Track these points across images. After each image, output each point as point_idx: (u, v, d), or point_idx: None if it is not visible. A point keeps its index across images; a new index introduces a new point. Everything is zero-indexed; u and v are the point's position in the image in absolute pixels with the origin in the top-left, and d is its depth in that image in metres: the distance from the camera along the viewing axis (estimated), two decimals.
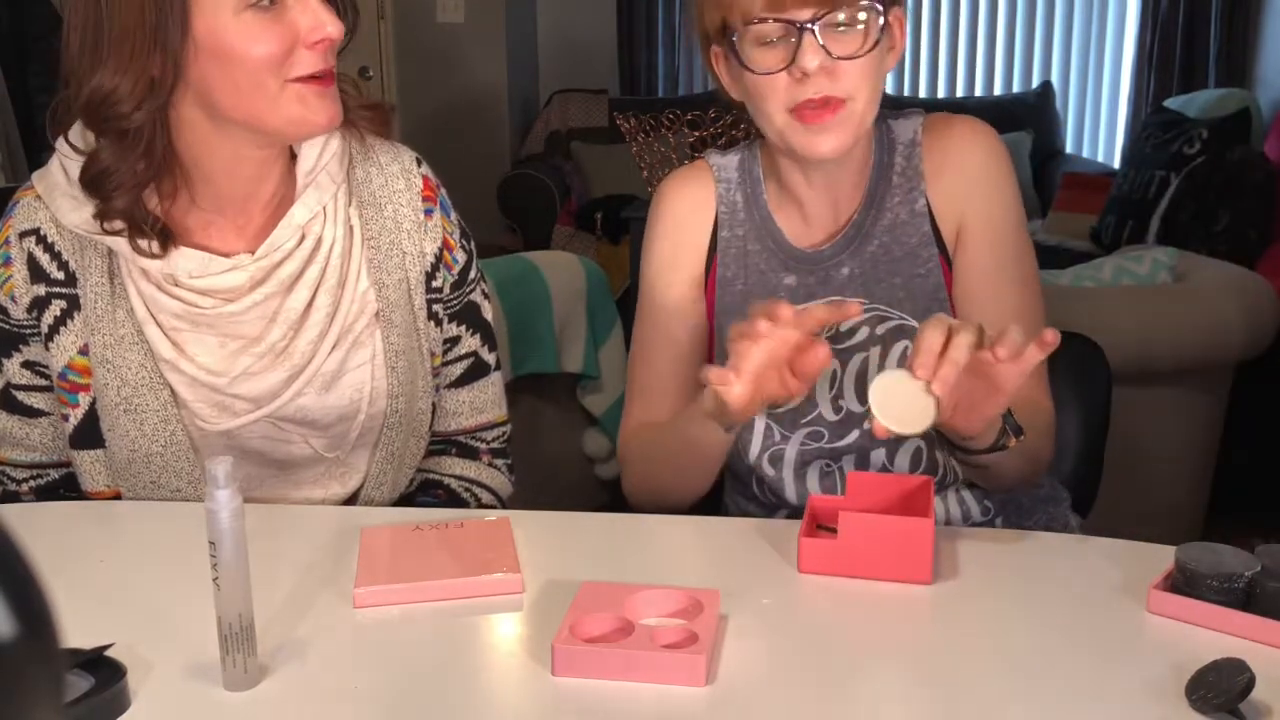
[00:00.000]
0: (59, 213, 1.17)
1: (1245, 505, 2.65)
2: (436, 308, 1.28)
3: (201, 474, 1.19)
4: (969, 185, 1.24)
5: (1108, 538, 1.08)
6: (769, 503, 1.28)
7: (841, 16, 1.12)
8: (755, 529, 1.10)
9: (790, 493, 1.24)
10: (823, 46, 1.12)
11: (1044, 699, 0.81)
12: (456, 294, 1.30)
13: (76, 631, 0.84)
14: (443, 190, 1.30)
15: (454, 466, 1.34)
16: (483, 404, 1.34)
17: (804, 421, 1.23)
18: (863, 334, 1.23)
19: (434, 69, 5.18)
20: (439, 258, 1.27)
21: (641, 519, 1.14)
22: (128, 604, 0.97)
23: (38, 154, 4.25)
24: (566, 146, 5.21)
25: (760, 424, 1.24)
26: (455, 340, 1.31)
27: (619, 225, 4.50)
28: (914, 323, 1.21)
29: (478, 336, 1.33)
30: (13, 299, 1.20)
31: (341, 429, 1.23)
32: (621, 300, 3.21)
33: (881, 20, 1.15)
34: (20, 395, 1.24)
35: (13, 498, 1.27)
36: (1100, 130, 5.24)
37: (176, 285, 1.17)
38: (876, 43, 1.14)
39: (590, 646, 0.84)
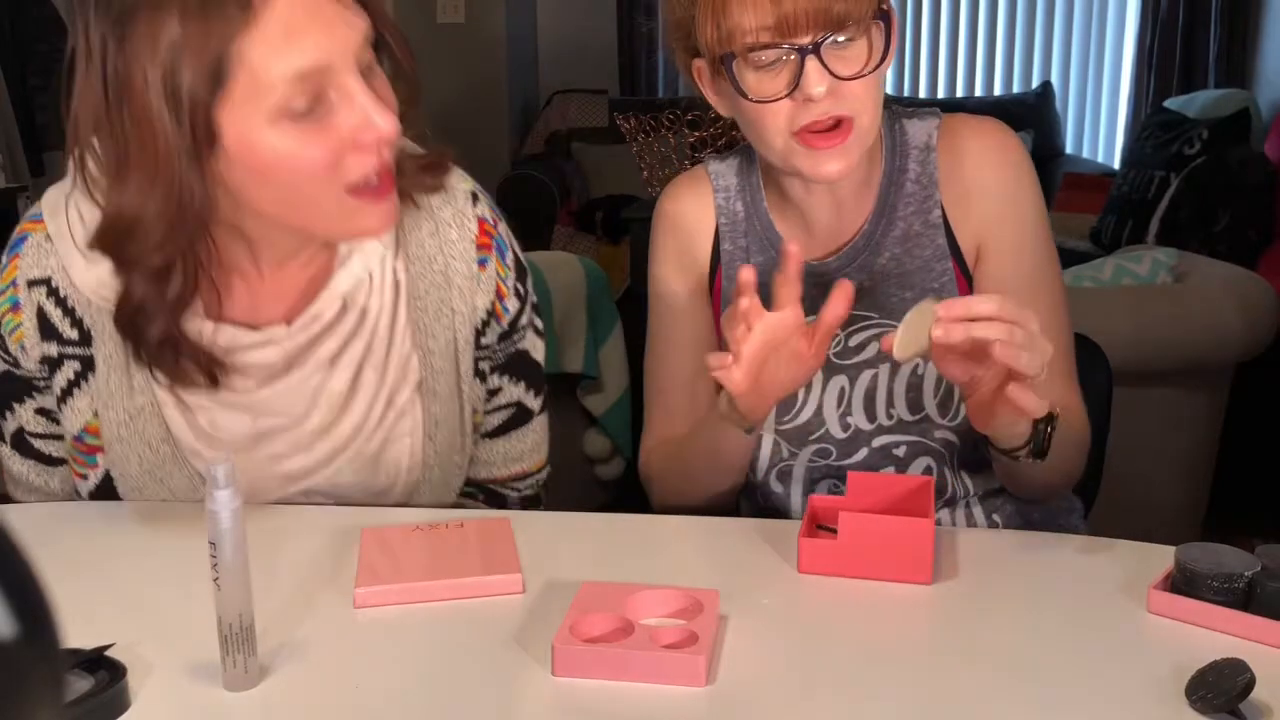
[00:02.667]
0: (70, 267, 1.07)
1: (1245, 505, 2.66)
2: (483, 365, 1.20)
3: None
4: (990, 195, 1.19)
5: (1108, 538, 1.08)
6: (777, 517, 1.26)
7: (843, 36, 1.07)
8: (755, 529, 1.10)
9: (798, 510, 1.23)
10: (826, 68, 1.06)
11: (1044, 699, 0.81)
12: (504, 344, 1.20)
13: (76, 631, 0.83)
14: (500, 227, 1.18)
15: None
16: (520, 453, 1.26)
17: (812, 439, 1.21)
18: (872, 349, 1.19)
19: (434, 69, 5.18)
20: (490, 312, 1.17)
21: (641, 519, 1.14)
22: (128, 604, 0.97)
23: (38, 154, 4.25)
24: (566, 146, 5.21)
25: (769, 441, 1.22)
26: (496, 391, 1.22)
27: (619, 225, 4.50)
28: None
29: (522, 385, 1.23)
30: (23, 349, 1.11)
31: (375, 501, 1.17)
32: (621, 300, 3.22)
33: (884, 35, 1.10)
34: (37, 443, 1.17)
35: None
36: (1100, 130, 5.25)
37: None
38: (882, 59, 1.09)
39: (590, 646, 0.84)
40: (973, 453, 1.20)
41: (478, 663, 0.88)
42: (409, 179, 1.08)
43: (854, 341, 1.20)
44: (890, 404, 1.19)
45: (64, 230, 1.07)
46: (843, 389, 1.20)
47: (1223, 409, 2.49)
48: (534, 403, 1.25)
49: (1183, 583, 0.90)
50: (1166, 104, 4.52)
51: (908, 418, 1.19)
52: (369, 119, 0.95)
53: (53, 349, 1.10)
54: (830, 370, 1.20)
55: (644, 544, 1.09)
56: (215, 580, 0.82)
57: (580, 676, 0.83)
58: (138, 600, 0.98)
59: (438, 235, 1.14)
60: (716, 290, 1.28)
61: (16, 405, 1.15)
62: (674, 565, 1.03)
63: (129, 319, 1.02)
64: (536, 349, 1.24)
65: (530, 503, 1.30)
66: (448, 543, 1.04)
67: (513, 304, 1.19)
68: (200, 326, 1.07)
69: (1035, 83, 5.26)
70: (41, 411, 1.15)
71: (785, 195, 1.23)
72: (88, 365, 1.10)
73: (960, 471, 1.22)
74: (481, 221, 1.16)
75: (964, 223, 1.19)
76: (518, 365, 1.22)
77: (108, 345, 1.09)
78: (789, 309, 1.05)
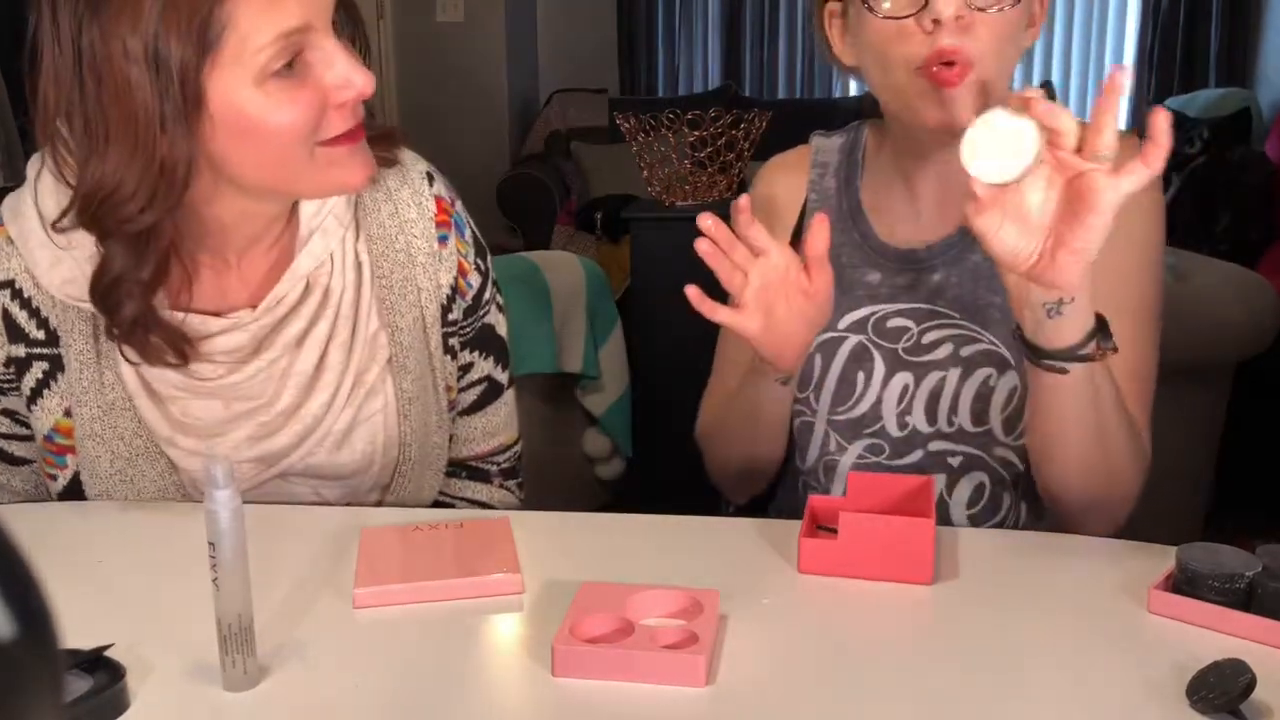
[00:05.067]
0: (35, 268, 1.07)
1: (1245, 505, 2.66)
2: (452, 341, 1.22)
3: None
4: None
5: (1108, 538, 1.07)
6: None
7: None
8: (755, 529, 1.10)
9: None
10: None
11: (1044, 699, 0.81)
12: (470, 320, 1.23)
13: (76, 631, 0.83)
14: (457, 205, 1.21)
15: (465, 490, 1.31)
16: (495, 427, 1.29)
17: (866, 432, 1.19)
18: (945, 350, 1.17)
19: (434, 69, 5.18)
20: (454, 288, 1.19)
21: (641, 519, 1.14)
22: (127, 604, 0.97)
23: None
24: (566, 146, 5.21)
25: (820, 430, 1.21)
26: (468, 367, 1.25)
27: (619, 225, 4.49)
28: (1005, 351, 1.14)
29: (491, 359, 1.27)
30: None
31: (355, 482, 1.18)
32: (621, 300, 3.21)
33: None
34: (1, 443, 1.18)
35: None
36: None
37: None
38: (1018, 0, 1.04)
39: (590, 647, 0.84)
40: (1031, 482, 1.15)
41: (478, 663, 0.88)
42: None
43: (927, 339, 1.17)
44: (954, 410, 1.16)
45: (27, 231, 1.07)
46: (906, 386, 1.18)
47: (1223, 409, 2.49)
48: (502, 377, 1.29)
49: (1183, 583, 0.90)
50: (1167, 103, 4.52)
51: (970, 428, 1.16)
52: (349, 77, 0.98)
53: (20, 350, 1.11)
54: (896, 365, 1.18)
55: (644, 544, 1.09)
56: (215, 580, 0.82)
57: (580, 677, 0.83)
58: (138, 600, 0.98)
59: (397, 215, 1.16)
60: None
61: None
62: (674, 565, 1.03)
63: (106, 292, 1.02)
64: (500, 324, 1.27)
65: (509, 475, 1.33)
66: (448, 543, 1.04)
67: (475, 279, 1.22)
68: (169, 316, 1.07)
69: (1035, 82, 5.26)
70: (6, 413, 1.16)
71: (893, 170, 1.20)
72: (56, 365, 1.11)
73: (1019, 500, 1.18)
74: (439, 200, 1.19)
75: None
76: (485, 340, 1.25)
77: (78, 343, 1.10)
78: (773, 250, 1.05)
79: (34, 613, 0.37)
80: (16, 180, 1.18)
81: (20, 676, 0.36)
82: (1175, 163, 3.78)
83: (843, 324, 1.21)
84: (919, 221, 1.21)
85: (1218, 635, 0.87)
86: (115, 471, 1.13)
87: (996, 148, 0.87)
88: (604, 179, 4.97)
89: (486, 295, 1.24)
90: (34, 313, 1.10)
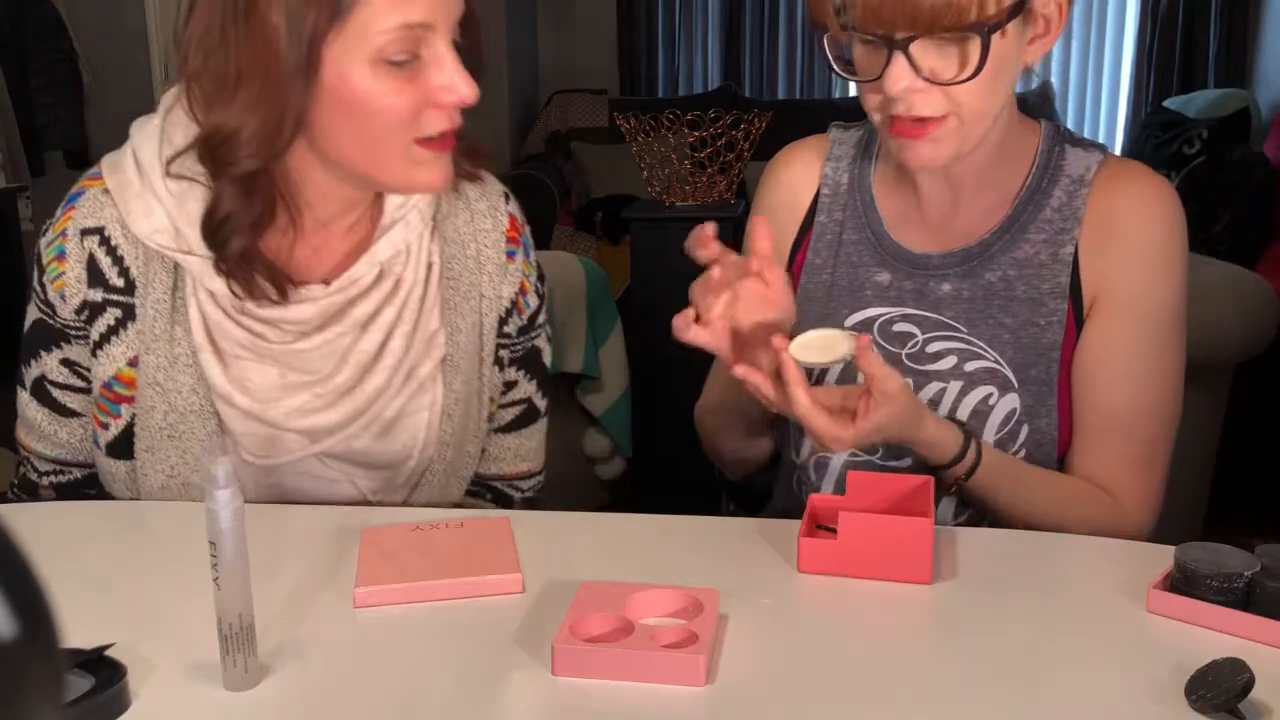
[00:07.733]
0: (128, 216, 1.12)
1: (1245, 505, 2.66)
2: (503, 353, 1.26)
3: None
4: (1135, 252, 1.13)
5: (1108, 538, 1.08)
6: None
7: (945, 34, 1.01)
8: (755, 529, 1.10)
9: None
10: (914, 67, 1.01)
11: (1043, 699, 0.81)
12: (522, 339, 1.27)
13: (77, 631, 0.84)
14: (527, 230, 1.27)
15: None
16: (527, 452, 1.32)
17: None
18: (949, 362, 1.16)
19: None
20: (514, 303, 1.24)
21: (641, 519, 1.14)
22: (128, 604, 0.97)
23: (38, 154, 4.25)
24: (566, 146, 5.20)
25: None
26: (512, 385, 1.28)
27: (619, 225, 4.50)
28: (1009, 371, 1.14)
29: (534, 383, 1.30)
30: (62, 297, 1.15)
31: (390, 474, 1.20)
32: (621, 300, 3.21)
33: (985, 44, 1.00)
34: (55, 392, 1.20)
35: (31, 487, 1.24)
36: (1100, 130, 5.25)
37: (244, 313, 1.12)
38: (979, 69, 1.02)
39: (590, 646, 0.84)
40: None
41: (478, 663, 0.88)
42: (456, 163, 1.14)
43: (931, 349, 1.17)
44: None
45: (124, 183, 1.12)
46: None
47: (1223, 409, 2.49)
48: (541, 403, 1.32)
49: (1182, 582, 0.90)
50: (1166, 103, 4.53)
51: None
52: (454, 82, 1.06)
53: (97, 295, 1.15)
54: (897, 370, 1.17)
55: (644, 544, 1.09)
56: (215, 580, 0.82)
57: (580, 676, 0.83)
58: (138, 600, 0.98)
59: (473, 224, 1.22)
60: (800, 257, 1.26)
61: (43, 353, 1.19)
62: (674, 565, 1.03)
63: (215, 228, 1.08)
64: (546, 352, 1.31)
65: (530, 504, 1.33)
66: (448, 542, 1.04)
67: (533, 300, 1.26)
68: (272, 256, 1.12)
69: (1035, 82, 5.24)
70: (66, 362, 1.19)
71: (904, 175, 1.20)
72: (128, 314, 1.15)
73: None
74: (512, 218, 1.25)
75: (1093, 268, 1.14)
76: (531, 362, 1.29)
77: (156, 292, 1.14)
78: (722, 264, 1.05)
79: (35, 612, 0.37)
80: (18, 180, 1.22)
81: (21, 676, 0.36)
82: (1175, 163, 3.79)
83: (849, 322, 1.21)
84: (930, 228, 1.20)
85: (1216, 634, 0.87)
86: (167, 425, 1.15)
87: (820, 344, 1.04)
88: (604, 179, 4.97)
89: (540, 319, 1.28)
90: (118, 260, 1.14)
